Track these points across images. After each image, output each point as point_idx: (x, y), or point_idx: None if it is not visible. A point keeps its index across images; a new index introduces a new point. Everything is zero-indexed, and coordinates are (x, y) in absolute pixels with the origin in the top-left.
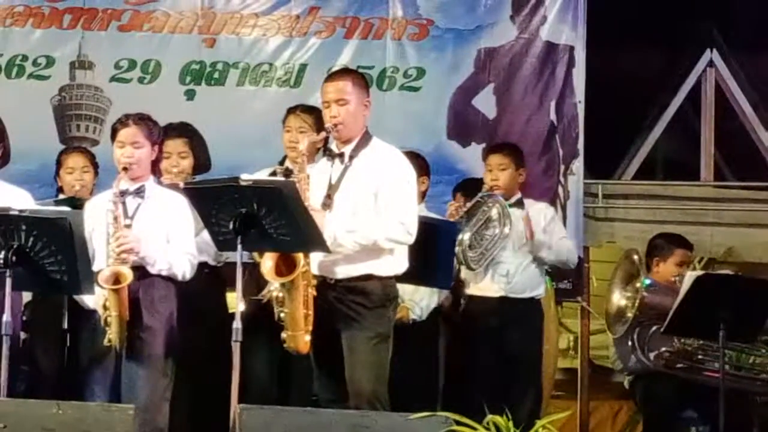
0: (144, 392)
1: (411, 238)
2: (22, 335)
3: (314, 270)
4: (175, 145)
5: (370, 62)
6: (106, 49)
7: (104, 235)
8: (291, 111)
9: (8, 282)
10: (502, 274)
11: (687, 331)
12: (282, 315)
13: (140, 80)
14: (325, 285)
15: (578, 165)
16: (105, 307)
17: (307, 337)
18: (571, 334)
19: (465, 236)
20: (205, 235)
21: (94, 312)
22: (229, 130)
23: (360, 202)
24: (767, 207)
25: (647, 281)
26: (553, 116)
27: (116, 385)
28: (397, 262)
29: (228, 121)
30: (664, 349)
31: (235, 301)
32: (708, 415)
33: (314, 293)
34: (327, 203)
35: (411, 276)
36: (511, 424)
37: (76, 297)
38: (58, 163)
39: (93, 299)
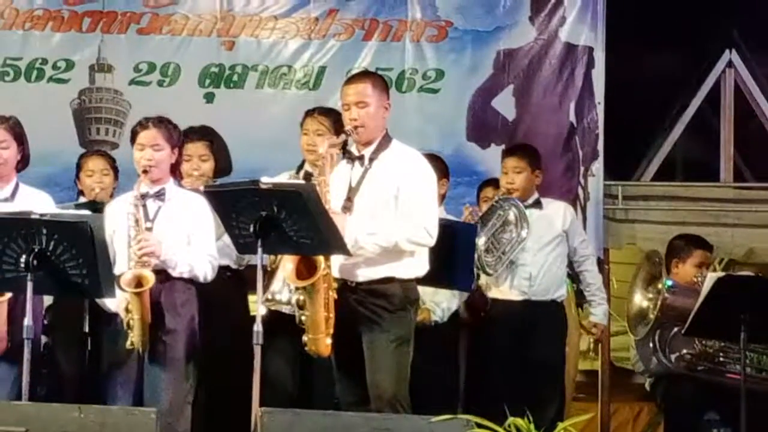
0: (166, 395)
1: (432, 240)
2: (44, 339)
3: (335, 273)
4: (196, 149)
5: (389, 64)
6: (125, 53)
7: (125, 237)
8: (308, 114)
9: (29, 286)
10: (525, 277)
11: (708, 332)
12: (303, 318)
13: (159, 83)
14: (346, 288)
15: (598, 166)
16: (127, 310)
17: (329, 340)
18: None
19: (480, 240)
20: (227, 238)
21: (115, 315)
22: (248, 132)
23: (380, 204)
24: None
25: (669, 283)
26: (572, 117)
27: (138, 388)
28: (418, 265)
29: (247, 123)
30: (685, 351)
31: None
32: (729, 417)
33: (335, 296)
34: (347, 206)
35: (431, 278)
36: (532, 426)
37: (97, 300)
38: (78, 167)
39: (114, 302)
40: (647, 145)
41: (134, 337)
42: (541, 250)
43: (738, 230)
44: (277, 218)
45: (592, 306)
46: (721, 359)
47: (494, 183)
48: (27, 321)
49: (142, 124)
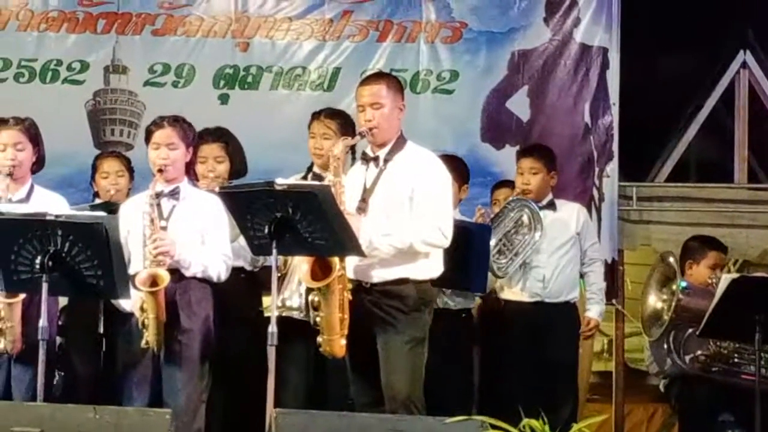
0: (182, 395)
1: (447, 242)
2: (58, 340)
3: (350, 274)
4: (212, 150)
5: (403, 65)
6: (140, 54)
7: (140, 237)
8: (315, 116)
9: (44, 287)
10: (538, 279)
11: (723, 334)
12: (318, 319)
13: (174, 84)
14: (360, 289)
15: (613, 167)
16: (142, 309)
17: (343, 341)
18: (605, 337)
19: (492, 242)
20: (242, 240)
21: (129, 316)
22: (262, 133)
23: (395, 205)
24: None
25: (683, 284)
26: (587, 118)
27: (153, 388)
28: (433, 266)
29: (261, 124)
30: (699, 352)
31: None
32: (744, 419)
33: (350, 297)
34: (362, 207)
35: (445, 280)
36: (547, 427)
37: (112, 300)
38: (94, 168)
39: (129, 302)
40: (662, 146)
41: (149, 336)
42: (555, 252)
43: (752, 231)
44: (292, 219)
45: (589, 303)
46: (736, 360)
47: (508, 185)
48: (42, 322)
49: (157, 123)
